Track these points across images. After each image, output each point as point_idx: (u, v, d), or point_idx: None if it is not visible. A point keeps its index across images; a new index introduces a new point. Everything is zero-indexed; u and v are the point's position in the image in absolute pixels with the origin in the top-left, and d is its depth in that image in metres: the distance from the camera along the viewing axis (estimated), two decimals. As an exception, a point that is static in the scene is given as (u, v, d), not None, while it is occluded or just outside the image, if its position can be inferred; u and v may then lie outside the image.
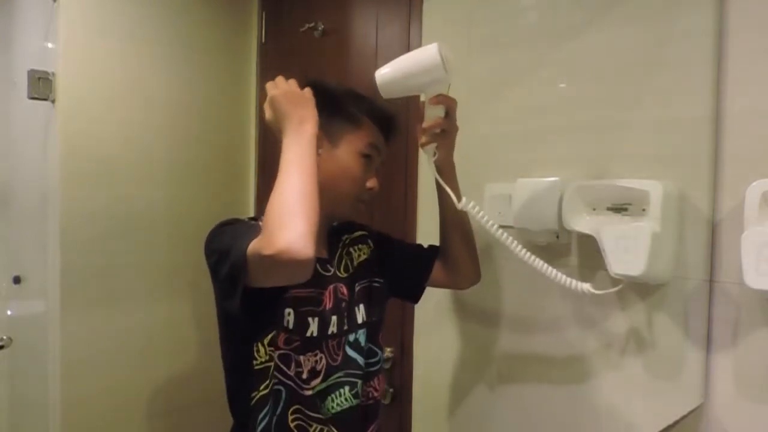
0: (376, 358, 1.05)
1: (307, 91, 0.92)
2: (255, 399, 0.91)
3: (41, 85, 1.53)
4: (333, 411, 0.96)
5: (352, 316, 1.01)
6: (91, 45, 1.59)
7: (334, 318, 0.97)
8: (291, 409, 0.93)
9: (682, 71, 0.88)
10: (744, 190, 0.79)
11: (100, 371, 1.62)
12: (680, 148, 0.88)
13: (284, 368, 0.92)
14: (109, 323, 1.64)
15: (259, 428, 0.91)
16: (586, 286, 0.86)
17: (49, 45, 1.59)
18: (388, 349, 1.46)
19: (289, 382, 0.92)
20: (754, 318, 0.82)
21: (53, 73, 1.54)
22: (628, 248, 0.84)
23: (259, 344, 0.91)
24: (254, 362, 0.91)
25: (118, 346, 1.66)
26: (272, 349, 0.92)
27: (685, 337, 0.88)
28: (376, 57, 1.53)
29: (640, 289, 0.91)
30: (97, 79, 1.60)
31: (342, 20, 1.66)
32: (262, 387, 0.92)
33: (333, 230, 1.05)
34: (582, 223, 0.93)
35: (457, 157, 1.00)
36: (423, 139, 0.93)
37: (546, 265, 0.89)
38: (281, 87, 0.91)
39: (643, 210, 0.86)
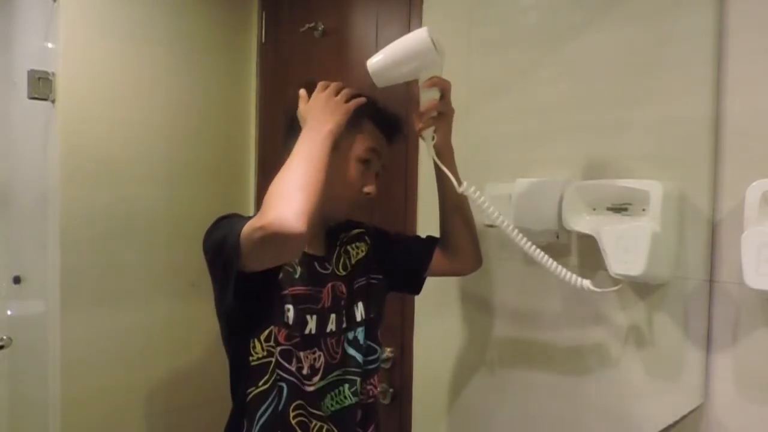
0: (375, 356, 1.05)
1: (352, 104, 0.93)
2: (252, 395, 0.92)
3: (41, 85, 1.53)
4: (332, 409, 0.96)
5: (351, 314, 1.01)
6: (91, 45, 1.59)
7: (332, 316, 0.97)
8: (293, 405, 0.93)
9: (682, 71, 0.88)
10: (744, 190, 0.79)
11: (100, 371, 1.62)
12: (680, 148, 0.88)
13: (286, 364, 0.92)
14: (109, 323, 1.64)
15: (259, 423, 0.91)
16: (586, 283, 0.86)
17: (49, 45, 1.59)
18: (388, 349, 1.46)
19: (291, 378, 0.93)
20: (754, 318, 0.82)
21: (53, 73, 1.54)
22: (628, 248, 0.84)
23: (255, 340, 0.91)
24: (250, 358, 0.91)
25: (118, 346, 1.66)
26: (271, 345, 0.92)
27: (685, 337, 0.88)
28: (376, 57, 1.53)
29: (640, 288, 0.91)
30: (97, 79, 1.61)
31: (342, 20, 1.66)
32: (260, 383, 0.92)
33: (330, 229, 1.06)
34: (582, 223, 0.93)
35: (458, 157, 1.00)
36: (420, 124, 0.93)
37: (546, 256, 0.88)
38: (328, 92, 0.93)
39: (643, 210, 0.86)
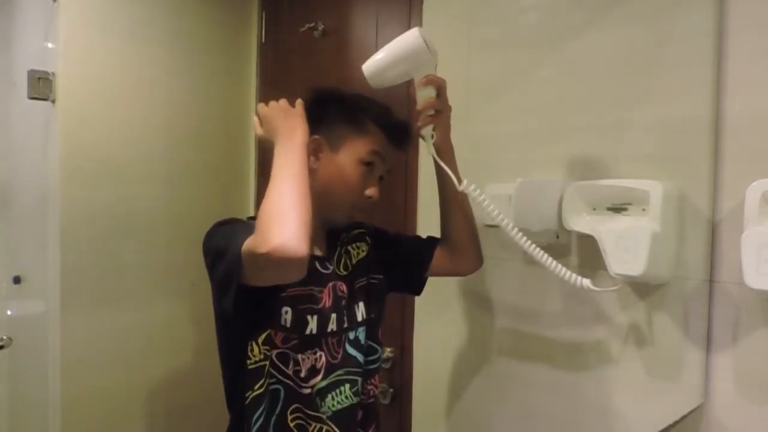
0: (376, 356, 1.05)
1: (298, 104, 0.95)
2: (249, 398, 0.91)
3: (41, 85, 1.53)
4: (333, 409, 0.96)
5: (352, 314, 1.01)
6: (91, 45, 1.59)
7: (333, 315, 0.97)
8: (290, 408, 0.93)
9: (682, 71, 0.88)
10: (744, 190, 0.79)
11: (100, 371, 1.62)
12: (680, 148, 0.88)
13: (282, 367, 0.92)
14: (109, 323, 1.64)
15: (255, 427, 0.91)
16: (586, 282, 0.86)
17: (49, 45, 1.59)
18: (388, 349, 1.46)
19: (288, 381, 0.92)
20: (754, 318, 0.82)
21: (53, 73, 1.54)
22: (628, 248, 0.84)
23: (254, 343, 0.91)
24: (248, 361, 0.91)
25: (118, 346, 1.66)
26: (267, 348, 0.92)
27: (685, 337, 0.88)
28: (376, 57, 1.53)
29: (640, 288, 0.91)
30: (97, 79, 1.60)
31: (342, 20, 1.66)
32: (256, 386, 0.92)
33: (331, 229, 1.05)
34: (582, 223, 0.93)
35: (458, 157, 1.00)
36: (419, 122, 0.94)
37: (546, 255, 0.88)
38: (271, 104, 0.95)
39: (643, 210, 0.86)
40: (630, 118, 0.93)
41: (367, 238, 1.10)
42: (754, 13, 0.83)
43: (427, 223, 1.27)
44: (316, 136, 0.95)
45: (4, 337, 1.80)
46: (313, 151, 0.95)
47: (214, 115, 1.88)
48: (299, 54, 1.81)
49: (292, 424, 0.92)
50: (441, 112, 0.95)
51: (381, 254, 1.09)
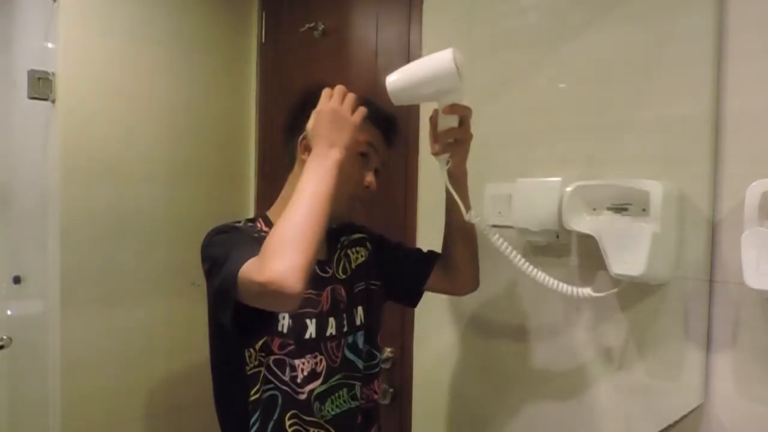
0: (375, 361, 1.05)
1: (358, 114, 0.88)
2: (245, 405, 0.91)
3: (41, 85, 1.53)
4: (333, 413, 0.96)
5: (351, 318, 1.01)
6: (91, 45, 1.59)
7: (331, 320, 0.97)
8: (288, 414, 0.92)
9: (682, 71, 0.88)
10: (744, 190, 0.79)
11: (100, 371, 1.62)
12: (680, 148, 0.88)
13: (279, 373, 0.92)
14: (109, 323, 1.64)
15: None
16: (587, 291, 0.87)
17: (49, 45, 1.59)
18: (388, 349, 1.46)
19: (285, 387, 0.92)
20: (754, 318, 0.82)
21: (53, 73, 1.54)
22: (628, 248, 0.84)
23: (251, 349, 0.91)
24: (246, 368, 0.91)
25: (118, 346, 1.66)
26: (263, 354, 0.92)
27: (685, 337, 0.88)
28: (376, 57, 1.53)
29: (640, 289, 0.91)
30: (97, 79, 1.60)
31: (342, 20, 1.66)
32: (252, 393, 0.92)
33: (332, 231, 1.05)
34: (582, 223, 0.93)
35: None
36: (436, 148, 0.90)
37: (551, 279, 0.89)
38: (333, 103, 0.87)
39: (643, 210, 0.86)
40: (630, 118, 0.93)
41: (368, 243, 1.10)
42: (754, 13, 0.83)
43: (427, 224, 1.27)
44: None
45: (4, 337, 1.80)
46: (307, 147, 0.93)
47: (214, 115, 1.88)
48: (299, 54, 1.81)
49: (290, 430, 0.92)
50: (461, 141, 0.92)
51: (380, 262, 1.09)
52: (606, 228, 0.88)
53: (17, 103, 1.80)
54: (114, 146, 1.64)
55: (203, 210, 1.82)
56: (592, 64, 0.98)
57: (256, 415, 0.91)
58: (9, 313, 1.96)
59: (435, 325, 1.27)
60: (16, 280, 1.90)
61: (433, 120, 0.91)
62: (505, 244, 0.91)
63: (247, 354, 0.91)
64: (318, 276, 0.98)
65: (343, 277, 1.03)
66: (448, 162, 0.92)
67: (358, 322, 1.02)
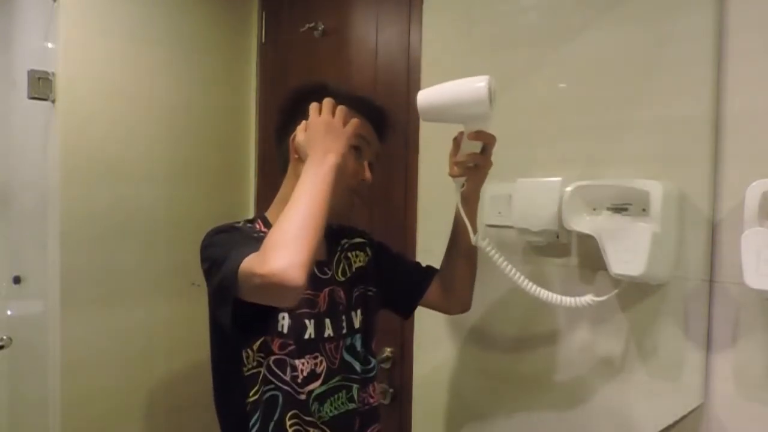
0: (371, 365, 1.05)
1: (350, 125, 0.90)
2: (244, 405, 0.91)
3: (41, 85, 1.53)
4: (331, 414, 0.96)
5: (350, 321, 1.01)
6: (91, 45, 1.59)
7: (327, 321, 0.97)
8: (289, 414, 0.92)
9: (682, 71, 0.88)
10: (744, 190, 0.79)
11: (100, 371, 1.62)
12: (680, 148, 0.88)
13: (280, 373, 0.92)
14: (109, 323, 1.64)
15: None
16: (587, 299, 0.87)
17: (49, 45, 1.59)
18: (388, 349, 1.47)
19: (286, 387, 0.92)
20: (754, 318, 0.82)
21: (53, 73, 1.54)
22: (628, 248, 0.84)
23: (249, 350, 0.91)
24: (244, 369, 0.91)
25: (118, 346, 1.66)
26: (262, 354, 0.92)
27: (685, 337, 0.88)
28: (376, 57, 1.53)
29: (640, 289, 0.91)
30: (97, 79, 1.60)
31: (342, 20, 1.66)
32: (251, 393, 0.92)
33: (333, 233, 1.05)
34: (582, 223, 0.93)
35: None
36: (455, 170, 0.91)
37: (554, 295, 0.89)
38: (324, 116, 0.89)
39: (643, 210, 0.86)
40: (630, 118, 0.93)
41: (368, 249, 1.10)
42: (754, 13, 0.83)
43: (427, 223, 1.27)
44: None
45: (4, 337, 1.80)
46: (297, 149, 0.93)
47: (214, 114, 1.88)
48: (299, 54, 1.81)
49: (290, 430, 0.92)
50: (481, 168, 0.92)
51: (380, 270, 1.09)
52: (606, 228, 0.88)
53: (17, 103, 1.79)
54: (114, 146, 1.64)
55: (203, 210, 1.82)
56: (592, 64, 0.98)
57: (256, 416, 0.91)
58: (9, 313, 1.96)
59: (435, 325, 1.27)
60: (16, 280, 1.90)
61: (457, 142, 0.92)
62: (510, 267, 0.91)
63: (244, 355, 0.91)
64: (316, 277, 0.98)
65: (343, 279, 1.03)
66: (463, 185, 0.93)
67: (356, 325, 1.02)
